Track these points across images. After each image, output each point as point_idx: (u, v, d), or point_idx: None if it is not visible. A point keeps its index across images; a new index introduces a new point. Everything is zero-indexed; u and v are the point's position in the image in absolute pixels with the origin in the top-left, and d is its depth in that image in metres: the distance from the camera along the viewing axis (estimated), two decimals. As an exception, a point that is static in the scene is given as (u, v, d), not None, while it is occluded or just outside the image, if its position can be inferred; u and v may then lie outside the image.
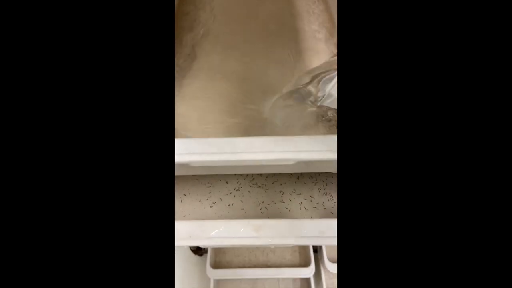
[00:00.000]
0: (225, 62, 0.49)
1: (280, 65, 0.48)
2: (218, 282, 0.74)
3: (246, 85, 0.46)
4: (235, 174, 0.44)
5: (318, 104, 0.28)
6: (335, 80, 0.23)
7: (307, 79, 0.37)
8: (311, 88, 0.37)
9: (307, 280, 0.72)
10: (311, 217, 0.39)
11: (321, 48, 0.53)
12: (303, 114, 0.39)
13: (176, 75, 0.49)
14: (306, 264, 0.71)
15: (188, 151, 0.28)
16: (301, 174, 0.44)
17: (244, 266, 0.72)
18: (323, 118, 0.34)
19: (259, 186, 0.43)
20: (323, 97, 0.27)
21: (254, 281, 0.73)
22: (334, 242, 0.31)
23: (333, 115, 0.33)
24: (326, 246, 0.75)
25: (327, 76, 0.33)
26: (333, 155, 0.27)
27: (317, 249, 0.78)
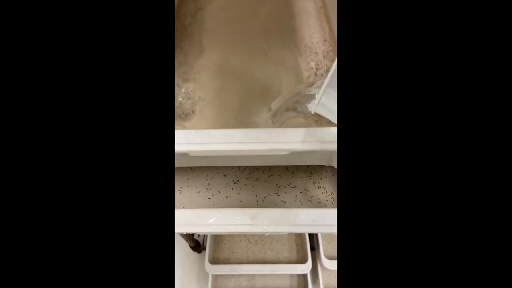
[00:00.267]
0: (224, 60, 0.52)
1: (279, 63, 0.50)
2: (216, 278, 0.75)
3: (245, 82, 0.48)
4: (233, 168, 0.46)
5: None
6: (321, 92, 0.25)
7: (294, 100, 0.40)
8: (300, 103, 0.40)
9: (304, 277, 0.74)
10: (306, 209, 0.41)
11: (318, 47, 0.55)
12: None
13: (179, 71, 0.51)
14: (303, 261, 0.73)
15: (188, 141, 0.30)
16: (297, 168, 0.46)
17: (242, 263, 0.74)
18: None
19: (256, 180, 0.45)
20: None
21: (252, 277, 0.75)
22: (325, 230, 0.33)
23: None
24: (323, 244, 0.77)
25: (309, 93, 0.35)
26: (322, 146, 0.29)
27: (314, 247, 0.79)
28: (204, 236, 0.87)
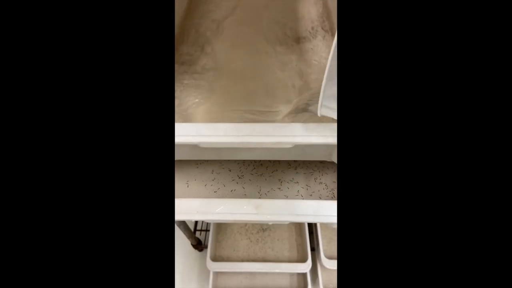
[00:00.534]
0: (230, 61, 0.55)
1: (283, 64, 0.53)
2: (217, 276, 0.77)
3: (249, 82, 0.51)
4: (238, 164, 0.49)
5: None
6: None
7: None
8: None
9: (303, 276, 0.76)
10: (307, 203, 0.43)
11: (320, 48, 0.59)
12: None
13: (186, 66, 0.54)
14: (303, 260, 0.75)
15: (199, 133, 0.33)
16: (299, 165, 0.48)
17: (242, 261, 0.76)
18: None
19: (260, 175, 0.48)
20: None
21: (252, 275, 0.77)
22: (325, 220, 0.35)
23: None
24: (323, 244, 0.79)
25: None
26: (325, 140, 0.32)
27: (314, 247, 0.81)
28: (206, 235, 0.89)
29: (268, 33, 0.59)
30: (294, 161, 0.49)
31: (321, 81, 0.27)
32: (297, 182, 0.47)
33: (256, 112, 0.48)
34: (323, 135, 0.32)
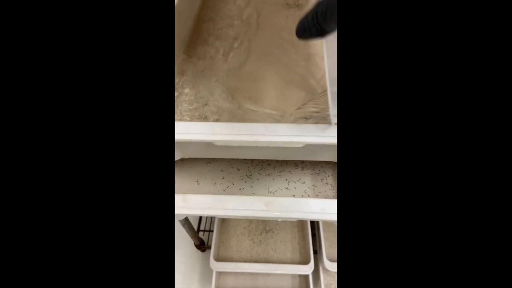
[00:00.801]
0: (241, 64, 0.57)
1: (291, 69, 0.56)
2: (219, 276, 0.78)
3: (260, 85, 0.53)
4: (246, 163, 0.51)
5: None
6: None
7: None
8: None
9: (305, 278, 0.77)
10: (314, 202, 0.45)
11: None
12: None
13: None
14: (305, 262, 0.76)
15: (214, 132, 0.35)
16: (306, 165, 0.50)
17: (245, 262, 0.77)
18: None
19: (268, 175, 0.50)
20: None
21: (255, 276, 0.78)
22: (333, 217, 0.37)
23: None
24: (326, 247, 0.80)
25: None
26: (335, 141, 0.34)
27: (316, 250, 0.83)
28: (209, 235, 0.91)
29: (278, 39, 0.61)
30: (301, 161, 0.51)
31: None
32: (304, 182, 0.48)
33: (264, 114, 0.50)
34: (333, 136, 0.34)
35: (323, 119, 0.39)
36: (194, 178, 0.49)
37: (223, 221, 0.84)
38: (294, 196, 0.47)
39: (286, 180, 0.49)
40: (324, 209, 0.37)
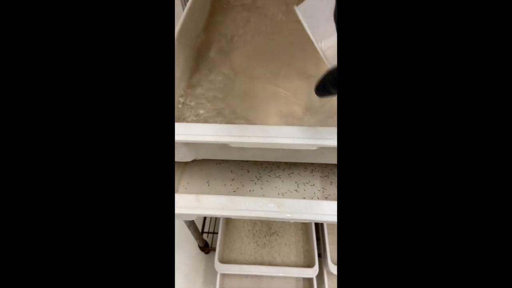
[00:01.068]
0: (251, 68, 0.58)
1: (301, 72, 0.57)
2: (223, 277, 0.79)
3: (270, 88, 0.55)
4: (256, 165, 0.52)
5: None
6: None
7: None
8: None
9: (309, 281, 0.78)
10: (323, 204, 0.46)
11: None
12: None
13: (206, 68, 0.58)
14: (310, 265, 0.77)
15: (229, 133, 0.36)
16: (315, 168, 0.51)
17: (249, 264, 0.78)
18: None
19: (277, 176, 0.51)
20: None
21: (259, 278, 0.79)
22: (344, 219, 0.38)
23: None
24: (330, 250, 0.81)
25: None
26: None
27: (321, 254, 0.83)
28: (213, 237, 0.91)
29: (287, 43, 0.63)
30: (310, 164, 0.52)
31: None
32: (313, 185, 0.49)
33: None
34: (346, 139, 0.35)
35: None
36: (205, 179, 0.50)
37: (228, 223, 0.85)
38: (304, 198, 0.48)
39: (296, 182, 0.50)
40: (336, 210, 0.38)
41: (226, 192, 0.48)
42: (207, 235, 0.91)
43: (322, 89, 0.28)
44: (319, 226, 0.88)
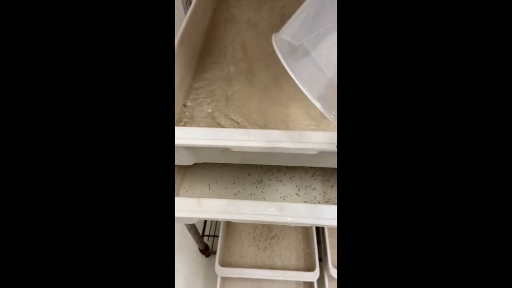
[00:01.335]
0: (250, 72, 0.59)
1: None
2: (224, 281, 0.79)
3: (272, 93, 0.55)
4: (257, 169, 0.52)
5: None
6: None
7: None
8: None
9: (310, 285, 0.78)
10: (324, 208, 0.46)
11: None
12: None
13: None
14: (310, 269, 0.77)
15: (230, 138, 0.36)
16: (316, 171, 0.52)
17: (250, 268, 0.78)
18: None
19: (278, 180, 0.51)
20: None
21: (260, 282, 0.79)
22: (345, 223, 0.38)
23: None
24: (331, 253, 0.81)
25: None
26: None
27: (321, 257, 0.83)
28: (213, 240, 0.92)
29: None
30: (311, 167, 0.52)
31: None
32: (315, 189, 0.50)
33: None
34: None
35: None
36: (206, 182, 0.51)
37: (228, 226, 0.85)
38: (305, 202, 0.48)
39: (297, 186, 0.50)
40: (336, 215, 0.38)
41: (227, 195, 0.49)
42: (207, 238, 0.91)
43: None
44: (320, 230, 0.88)
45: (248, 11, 0.75)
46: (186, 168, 0.52)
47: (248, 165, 0.53)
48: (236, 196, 0.49)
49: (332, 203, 0.48)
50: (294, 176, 0.51)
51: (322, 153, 0.39)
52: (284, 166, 0.53)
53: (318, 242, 0.83)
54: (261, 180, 0.51)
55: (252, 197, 0.49)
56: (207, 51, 0.64)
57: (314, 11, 0.29)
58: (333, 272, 0.76)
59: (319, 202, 0.48)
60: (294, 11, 0.31)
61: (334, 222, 0.39)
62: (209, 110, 0.52)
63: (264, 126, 0.48)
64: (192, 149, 0.42)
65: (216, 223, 0.95)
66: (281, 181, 0.51)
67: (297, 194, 0.49)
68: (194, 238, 0.79)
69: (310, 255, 0.81)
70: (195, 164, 0.47)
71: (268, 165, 0.53)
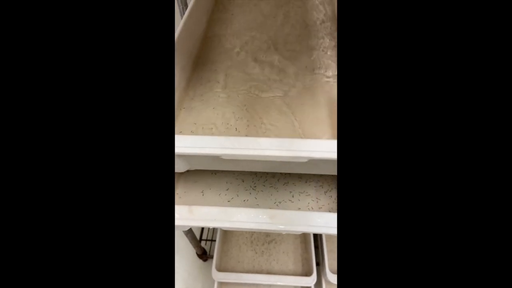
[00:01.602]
0: (251, 69, 0.59)
1: (299, 79, 0.58)
2: (221, 286, 0.79)
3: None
4: (250, 175, 0.52)
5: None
6: None
7: None
8: None
9: (308, 290, 0.77)
10: (317, 215, 0.46)
11: (330, 49, 0.63)
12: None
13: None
14: (308, 274, 0.77)
15: (221, 146, 0.37)
16: (310, 178, 0.52)
17: (247, 272, 0.78)
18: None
19: (272, 186, 0.51)
20: None
21: (257, 286, 0.79)
22: (336, 231, 0.38)
23: None
24: (328, 258, 0.81)
25: None
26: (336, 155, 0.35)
27: (319, 262, 0.83)
28: (211, 245, 0.92)
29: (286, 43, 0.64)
30: (305, 174, 0.52)
31: None
32: (308, 195, 0.50)
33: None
34: (334, 151, 0.36)
35: None
36: (199, 189, 0.51)
37: (226, 231, 0.85)
38: (299, 208, 0.48)
39: (290, 192, 0.50)
40: (328, 222, 0.38)
41: (221, 202, 0.49)
42: (205, 242, 0.91)
43: None
44: (317, 235, 0.87)
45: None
46: (180, 174, 0.52)
47: (241, 171, 0.53)
48: (229, 202, 0.49)
49: (325, 210, 0.48)
50: (288, 182, 0.51)
51: (314, 160, 0.39)
52: (278, 172, 0.53)
53: (316, 247, 0.83)
54: (255, 187, 0.51)
55: (245, 203, 0.49)
56: (203, 55, 0.65)
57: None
58: (331, 277, 0.76)
59: (312, 209, 0.48)
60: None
61: (327, 230, 0.39)
62: (203, 116, 0.52)
63: (262, 124, 0.48)
64: (184, 157, 0.42)
65: (213, 228, 0.95)
66: (275, 187, 0.51)
67: (290, 201, 0.49)
68: (191, 242, 0.79)
69: (307, 259, 0.81)
70: (188, 170, 0.47)
71: (262, 172, 0.53)
